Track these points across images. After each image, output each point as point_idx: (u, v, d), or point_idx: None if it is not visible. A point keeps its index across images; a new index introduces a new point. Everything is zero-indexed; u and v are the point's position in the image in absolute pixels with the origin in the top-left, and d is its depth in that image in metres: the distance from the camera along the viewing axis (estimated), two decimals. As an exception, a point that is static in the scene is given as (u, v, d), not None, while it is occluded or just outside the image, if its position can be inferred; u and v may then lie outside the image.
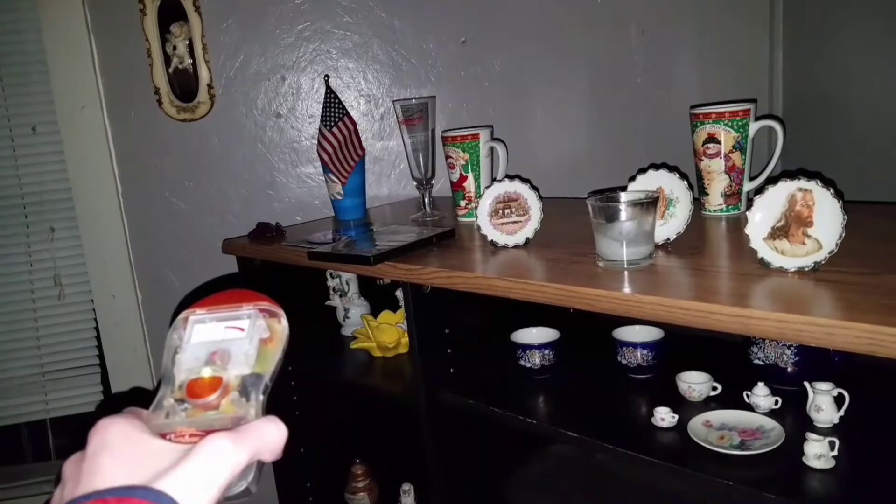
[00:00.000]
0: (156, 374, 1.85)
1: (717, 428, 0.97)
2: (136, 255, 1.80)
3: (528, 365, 1.17)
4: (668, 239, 1.00)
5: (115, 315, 1.81)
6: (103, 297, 1.80)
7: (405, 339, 1.41)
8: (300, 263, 1.28)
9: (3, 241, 1.79)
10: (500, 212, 1.11)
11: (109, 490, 0.37)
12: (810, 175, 0.82)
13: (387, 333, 1.42)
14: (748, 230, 0.84)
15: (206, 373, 0.45)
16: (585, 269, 0.94)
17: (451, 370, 1.19)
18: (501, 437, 1.18)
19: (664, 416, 0.99)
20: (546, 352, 1.16)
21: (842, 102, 1.59)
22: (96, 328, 1.84)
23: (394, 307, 1.48)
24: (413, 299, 1.14)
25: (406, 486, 1.69)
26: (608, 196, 0.92)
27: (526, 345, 1.17)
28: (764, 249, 0.83)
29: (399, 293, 1.49)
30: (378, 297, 1.58)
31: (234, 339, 0.47)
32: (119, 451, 0.39)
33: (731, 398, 1.03)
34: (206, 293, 0.52)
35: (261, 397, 0.44)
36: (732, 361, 1.09)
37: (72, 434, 1.93)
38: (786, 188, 0.82)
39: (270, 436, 0.41)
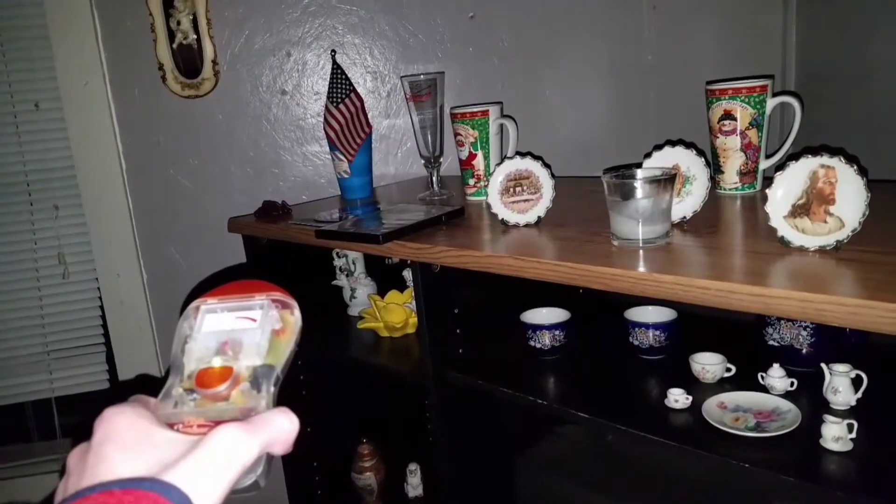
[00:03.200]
0: (161, 353, 1.84)
1: (731, 410, 0.95)
2: (141, 233, 1.78)
3: (538, 346, 1.15)
4: (684, 217, 0.98)
5: (119, 294, 1.80)
6: (108, 276, 1.79)
7: (413, 320, 1.40)
8: (307, 242, 1.26)
9: (7, 219, 1.77)
10: (512, 190, 1.08)
11: (115, 482, 0.35)
12: (833, 151, 0.80)
13: (394, 313, 1.40)
14: (768, 208, 0.82)
15: (217, 362, 0.44)
16: (599, 248, 0.92)
17: (460, 350, 1.18)
18: (510, 417, 1.17)
19: (678, 398, 0.97)
20: (556, 332, 1.15)
21: (860, 76, 1.56)
22: (101, 307, 1.83)
23: (401, 287, 1.46)
24: (422, 279, 1.12)
25: (412, 467, 1.69)
26: (624, 173, 0.90)
27: (536, 325, 1.16)
28: (784, 227, 0.81)
29: (406, 273, 1.47)
30: (385, 277, 1.56)
31: (246, 330, 0.46)
32: (125, 441, 0.38)
33: (746, 380, 1.01)
34: (217, 283, 0.51)
35: (272, 389, 0.43)
36: (746, 342, 1.07)
37: (77, 413, 1.93)
38: (807, 165, 0.80)
39: (282, 428, 0.40)
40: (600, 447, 1.02)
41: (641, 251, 0.89)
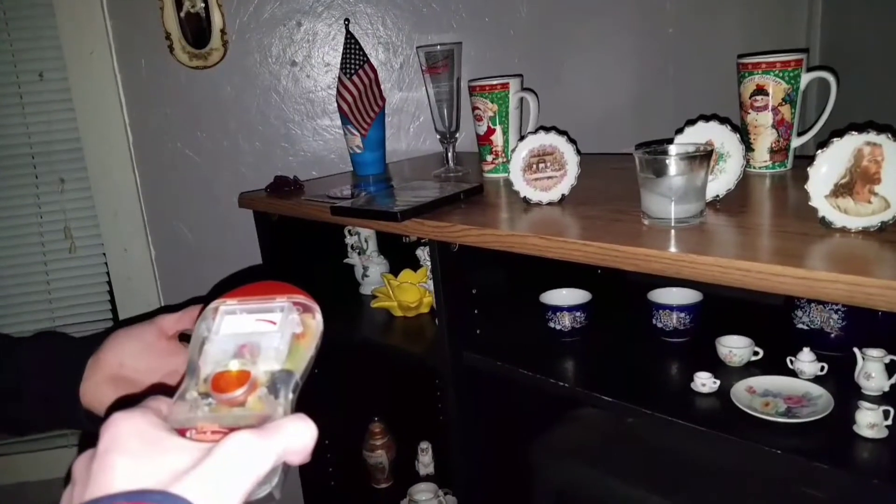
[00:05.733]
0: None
1: (760, 394, 0.93)
2: (148, 207, 1.75)
3: (558, 327, 1.13)
4: (717, 196, 0.94)
5: (127, 269, 1.77)
6: (115, 251, 1.76)
7: (427, 299, 1.37)
8: (321, 219, 1.23)
9: (12, 192, 1.74)
10: (535, 166, 1.05)
11: (121, 494, 0.33)
12: (880, 128, 0.76)
13: (408, 293, 1.37)
14: (809, 187, 0.79)
15: (234, 366, 0.41)
16: (628, 228, 0.89)
17: (478, 331, 1.15)
18: (528, 400, 1.14)
19: (705, 382, 0.95)
20: (577, 314, 1.12)
21: (890, 53, 1.51)
22: (108, 282, 1.80)
23: (414, 266, 1.44)
24: (440, 258, 1.09)
25: (423, 445, 1.68)
26: (657, 149, 0.87)
27: (556, 306, 1.13)
28: (825, 207, 0.78)
29: (420, 251, 1.44)
30: (398, 256, 1.53)
31: (265, 333, 0.43)
32: (132, 449, 0.35)
33: (774, 364, 0.98)
34: (235, 284, 0.49)
35: (291, 396, 0.41)
36: (774, 325, 1.05)
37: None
38: (852, 142, 0.77)
39: (299, 436, 0.37)
40: (620, 432, 1.00)
41: (674, 231, 0.85)
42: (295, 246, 1.49)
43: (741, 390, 0.93)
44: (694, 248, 0.77)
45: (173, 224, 1.76)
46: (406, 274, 1.40)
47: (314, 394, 0.39)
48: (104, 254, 1.77)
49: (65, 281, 1.80)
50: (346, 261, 1.58)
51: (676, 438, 0.93)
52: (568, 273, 1.13)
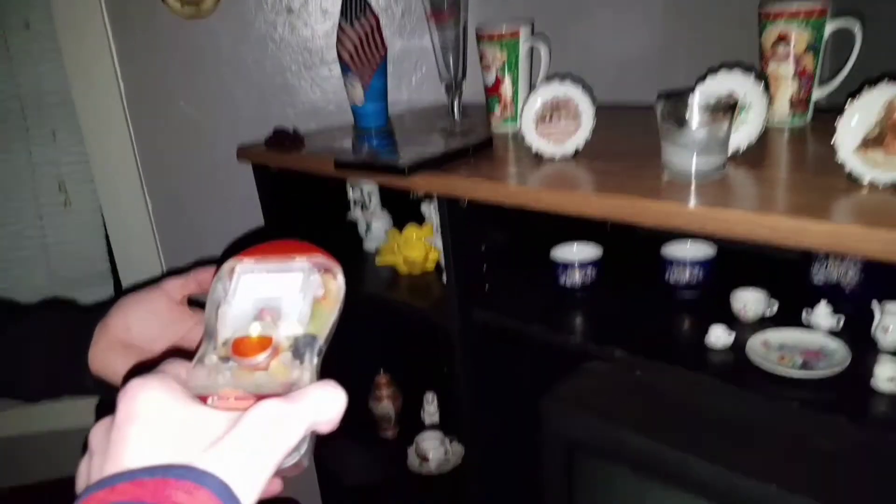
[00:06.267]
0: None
1: (776, 348, 0.92)
2: (144, 160, 1.71)
3: (569, 284, 1.11)
4: (738, 149, 0.92)
5: (124, 223, 1.74)
6: (111, 205, 1.72)
7: (433, 255, 1.36)
8: (324, 173, 1.20)
9: (3, 145, 1.69)
10: (548, 118, 1.02)
11: (142, 470, 0.31)
12: (913, 78, 0.73)
13: (414, 249, 1.35)
14: (837, 139, 0.76)
15: (255, 330, 0.39)
16: (647, 182, 0.87)
17: (487, 288, 1.14)
18: (538, 355, 1.14)
19: (719, 335, 0.94)
20: (587, 270, 1.11)
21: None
22: (106, 236, 1.77)
23: (419, 221, 1.41)
24: (448, 214, 1.07)
25: (429, 396, 1.69)
26: (680, 98, 0.84)
27: (566, 262, 1.11)
28: (854, 161, 0.76)
29: (425, 207, 1.41)
30: (402, 211, 1.50)
31: (286, 295, 0.41)
32: (151, 418, 0.33)
33: (789, 318, 0.98)
34: (241, 247, 0.46)
35: (315, 360, 0.39)
36: (790, 280, 1.04)
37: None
38: (884, 93, 0.74)
39: (328, 404, 0.36)
40: (632, 387, 1.00)
41: (696, 184, 0.83)
42: (296, 200, 1.46)
43: (756, 344, 0.93)
44: (719, 203, 0.75)
45: (170, 176, 1.72)
46: (411, 229, 1.38)
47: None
48: (100, 207, 1.74)
49: (61, 236, 1.77)
50: (349, 216, 1.56)
51: (690, 393, 0.93)
52: (578, 228, 1.11)
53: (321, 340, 0.40)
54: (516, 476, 1.21)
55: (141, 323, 0.64)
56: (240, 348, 0.39)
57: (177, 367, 0.38)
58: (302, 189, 1.42)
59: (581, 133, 1.01)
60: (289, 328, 0.40)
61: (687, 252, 1.08)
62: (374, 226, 1.53)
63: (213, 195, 1.72)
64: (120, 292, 1.79)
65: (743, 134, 0.91)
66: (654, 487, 0.91)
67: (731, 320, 0.99)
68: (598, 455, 0.97)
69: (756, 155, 0.92)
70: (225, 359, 0.39)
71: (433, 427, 1.65)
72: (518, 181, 0.96)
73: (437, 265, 1.36)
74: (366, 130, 1.48)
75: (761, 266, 1.07)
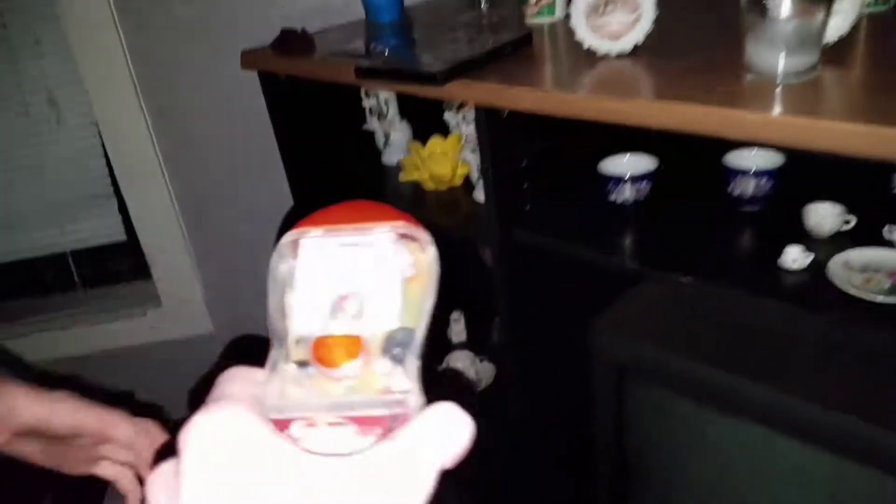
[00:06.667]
0: (176, 197, 1.69)
1: (859, 269, 0.83)
2: (138, 68, 1.56)
3: (620, 200, 1.01)
4: (827, 43, 0.79)
5: (123, 139, 1.62)
6: (108, 120, 1.60)
7: (461, 171, 1.25)
8: (342, 81, 1.07)
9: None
10: (601, 8, 0.88)
11: None
12: None
13: (440, 164, 1.24)
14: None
15: (338, 328, 0.30)
16: (725, 86, 0.75)
17: (528, 207, 1.04)
18: (585, 278, 1.05)
19: (796, 257, 0.85)
20: (640, 184, 1.00)
21: None
22: (105, 154, 1.66)
23: (442, 131, 1.29)
24: (487, 126, 0.95)
25: (456, 315, 1.63)
26: (773, -15, 0.70)
27: (616, 176, 1.01)
28: None
29: (450, 115, 1.29)
30: (422, 119, 1.38)
31: (369, 277, 0.32)
32: (222, 469, 0.25)
33: (868, 235, 0.88)
34: (301, 214, 0.36)
35: (417, 363, 0.30)
36: (866, 191, 0.93)
37: (98, 266, 1.84)
38: None
39: (456, 436, 0.27)
40: (692, 312, 0.92)
41: (783, 88, 0.71)
42: (307, 109, 1.33)
43: (837, 265, 0.84)
44: (816, 111, 0.64)
45: (167, 85, 1.59)
46: (436, 142, 1.26)
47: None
48: (96, 123, 1.61)
49: (56, 154, 1.66)
50: (365, 127, 1.43)
51: (759, 319, 0.85)
52: (629, 136, 1.00)
53: (419, 335, 0.31)
54: (554, 400, 1.16)
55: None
56: (321, 353, 0.30)
57: (246, 383, 0.29)
58: (313, 96, 1.30)
59: (641, 25, 0.87)
60: (378, 321, 0.31)
61: (752, 161, 0.97)
62: (394, 137, 1.41)
63: (216, 106, 1.59)
64: (125, 214, 1.70)
65: (833, 26, 0.78)
66: (718, 420, 0.85)
67: (804, 237, 0.90)
68: (655, 382, 0.91)
69: (849, 49, 0.79)
70: (302, 364, 0.30)
71: (461, 346, 1.60)
72: (570, 87, 0.84)
73: (467, 180, 1.25)
74: (379, 26, 1.33)
75: (834, 176, 0.96)
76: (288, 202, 1.46)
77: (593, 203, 1.03)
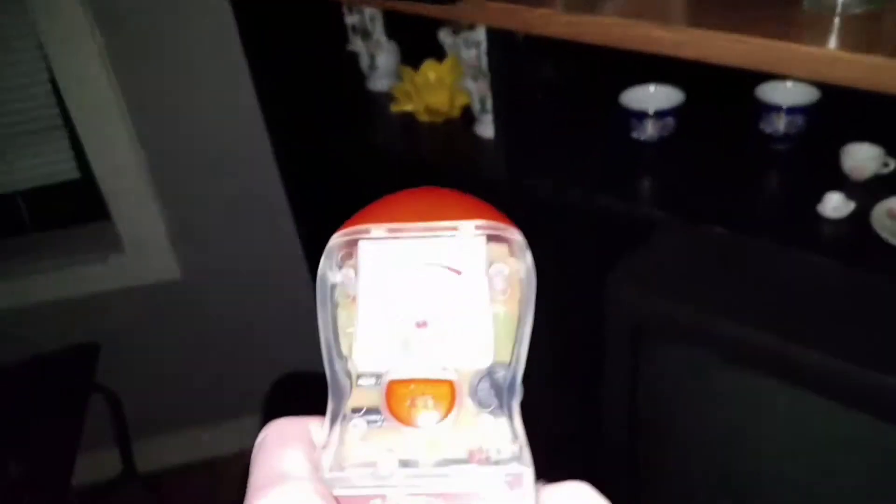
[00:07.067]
0: (137, 132, 1.54)
1: (903, 219, 0.78)
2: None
3: (643, 137, 0.93)
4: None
5: (71, 61, 1.44)
6: (54, 42, 1.42)
7: (459, 101, 1.14)
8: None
9: None
10: (635, -80, 0.77)
11: None
12: None
13: (437, 93, 1.13)
14: None
15: (416, 367, 0.23)
16: (772, 12, 0.66)
17: (542, 149, 0.94)
18: (602, 226, 0.97)
19: (837, 204, 0.79)
20: (666, 120, 0.92)
21: None
22: (51, 80, 1.49)
23: (435, 53, 1.17)
24: (500, 52, 0.85)
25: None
26: None
27: (639, 112, 0.92)
28: None
29: (445, 35, 1.16)
30: (410, 38, 1.25)
31: (450, 291, 0.24)
32: None
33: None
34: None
35: (516, 406, 0.22)
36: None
37: (52, 207, 1.69)
38: None
39: None
40: (718, 264, 0.86)
41: (841, 18, 0.63)
42: (281, 28, 1.20)
43: (881, 214, 0.78)
44: (876, 46, 0.56)
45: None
46: (430, 67, 1.15)
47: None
48: (40, 46, 1.43)
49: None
50: (348, 47, 1.30)
51: (797, 273, 0.79)
52: (652, 66, 0.91)
53: (518, 370, 0.23)
54: (566, 360, 1.10)
55: None
56: (398, 404, 0.22)
57: (301, 447, 0.21)
58: (288, 13, 1.16)
59: (680, -58, 0.77)
60: (467, 356, 0.23)
61: (786, 95, 0.89)
62: (380, 60, 1.28)
63: (179, 23, 1.42)
64: (79, 147, 1.55)
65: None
66: (747, 378, 0.80)
67: (840, 180, 0.84)
68: (674, 342, 0.86)
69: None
70: (370, 411, 0.22)
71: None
72: (598, 9, 0.74)
73: (465, 111, 1.15)
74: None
75: (872, 113, 0.89)
76: (262, 134, 1.34)
77: (614, 140, 0.94)
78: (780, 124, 0.89)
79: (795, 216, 0.81)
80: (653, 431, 0.94)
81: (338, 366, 0.23)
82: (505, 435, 0.22)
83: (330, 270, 0.24)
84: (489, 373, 0.23)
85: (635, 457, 0.97)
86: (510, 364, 0.23)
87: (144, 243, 1.64)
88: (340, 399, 0.22)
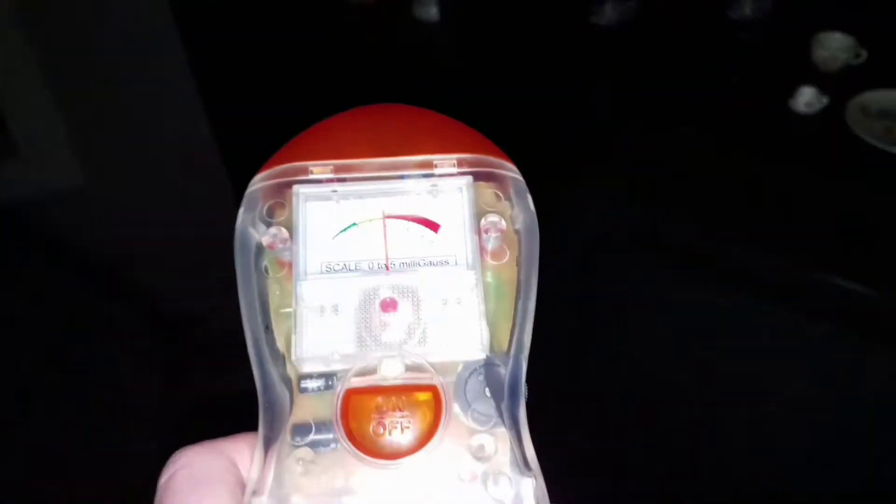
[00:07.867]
0: (29, 20, 1.32)
1: (876, 115, 0.73)
2: None
3: (602, 22, 0.84)
4: None
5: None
6: None
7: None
8: None
9: None
10: None
11: None
12: None
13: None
14: None
15: (387, 368, 0.16)
16: None
17: (489, 35, 0.84)
18: (556, 127, 0.89)
19: (809, 99, 0.74)
20: (627, 3, 0.83)
21: None
22: None
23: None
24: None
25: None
26: None
27: (599, -9, 0.82)
28: None
29: None
30: None
31: (428, 255, 0.17)
32: None
33: (882, 71, 0.77)
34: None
35: (522, 414, 0.16)
36: (880, 20, 0.81)
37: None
38: None
39: None
40: (679, 166, 0.80)
41: None
42: None
43: (855, 110, 0.73)
44: None
45: None
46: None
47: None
48: None
49: None
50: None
51: (778, 174, 0.74)
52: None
53: (522, 361, 0.16)
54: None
55: None
56: (356, 425, 0.15)
57: (223, 493, 0.14)
58: None
59: None
60: (450, 346, 0.16)
61: (756, -21, 0.82)
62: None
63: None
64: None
65: None
66: (700, 285, 0.77)
67: (810, 71, 0.78)
68: (630, 249, 0.81)
69: None
70: (321, 427, 0.15)
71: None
72: None
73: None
74: None
75: (842, 1, 0.83)
76: (169, 16, 1.18)
77: (570, 25, 0.85)
78: (746, 7, 0.82)
79: (769, 111, 0.76)
80: (604, 341, 0.91)
81: (270, 366, 0.15)
82: (511, 461, 0.15)
83: (252, 227, 0.16)
84: (484, 369, 0.15)
85: (581, 367, 0.95)
86: (510, 353, 0.16)
87: (42, 147, 1.47)
88: (275, 415, 0.14)
